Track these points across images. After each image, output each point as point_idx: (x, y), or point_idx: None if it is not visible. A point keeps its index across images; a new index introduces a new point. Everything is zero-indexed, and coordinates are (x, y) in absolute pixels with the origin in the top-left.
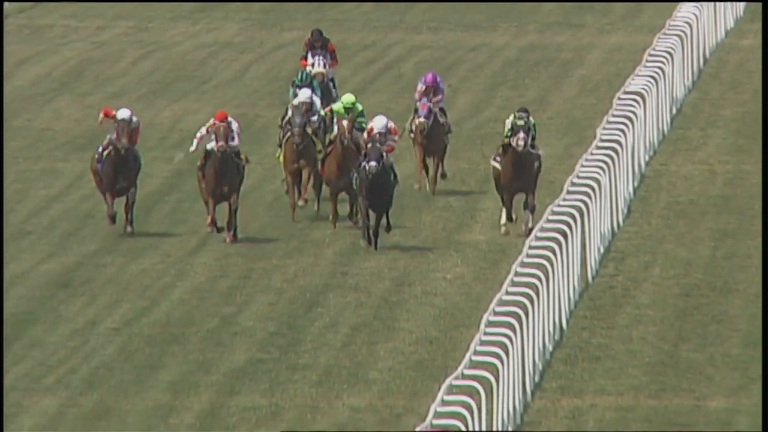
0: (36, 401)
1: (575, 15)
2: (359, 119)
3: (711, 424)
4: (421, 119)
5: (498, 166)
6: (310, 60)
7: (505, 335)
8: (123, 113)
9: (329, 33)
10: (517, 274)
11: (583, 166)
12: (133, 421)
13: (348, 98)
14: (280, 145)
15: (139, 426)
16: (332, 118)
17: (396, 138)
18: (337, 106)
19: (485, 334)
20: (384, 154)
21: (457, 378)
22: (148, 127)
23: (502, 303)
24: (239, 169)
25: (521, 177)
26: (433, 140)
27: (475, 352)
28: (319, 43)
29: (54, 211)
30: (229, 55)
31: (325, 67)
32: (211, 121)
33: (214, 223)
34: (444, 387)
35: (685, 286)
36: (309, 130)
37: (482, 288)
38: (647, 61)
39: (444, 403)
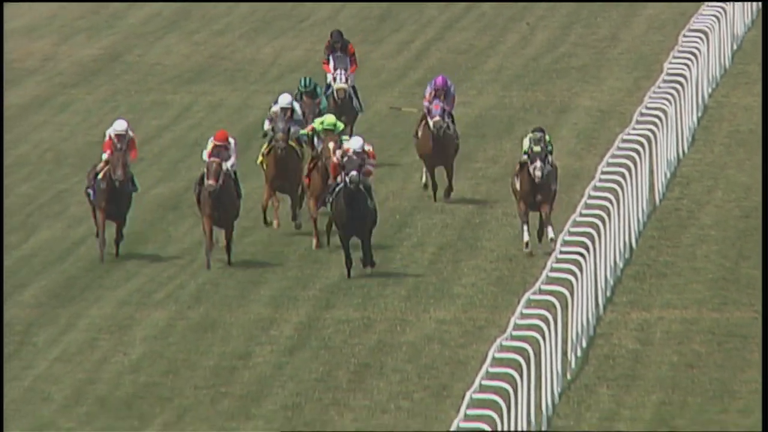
0: (147, 314)
1: None
2: (342, 137)
3: None
4: (437, 118)
5: (517, 185)
6: (332, 67)
7: (579, 254)
8: (119, 126)
9: None
10: (590, 197)
11: (650, 98)
12: (236, 332)
13: (329, 119)
14: (263, 154)
15: (242, 337)
16: (313, 137)
17: (374, 162)
18: (318, 125)
19: (561, 252)
20: (363, 164)
21: (534, 293)
22: (250, 62)
23: (576, 224)
24: (238, 192)
25: (539, 197)
26: (444, 148)
27: (552, 269)
28: (339, 45)
29: (164, 139)
30: None
31: (346, 81)
32: (210, 144)
33: (211, 249)
34: (523, 301)
35: (745, 208)
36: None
37: (558, 210)
38: (710, 0)
39: (523, 316)
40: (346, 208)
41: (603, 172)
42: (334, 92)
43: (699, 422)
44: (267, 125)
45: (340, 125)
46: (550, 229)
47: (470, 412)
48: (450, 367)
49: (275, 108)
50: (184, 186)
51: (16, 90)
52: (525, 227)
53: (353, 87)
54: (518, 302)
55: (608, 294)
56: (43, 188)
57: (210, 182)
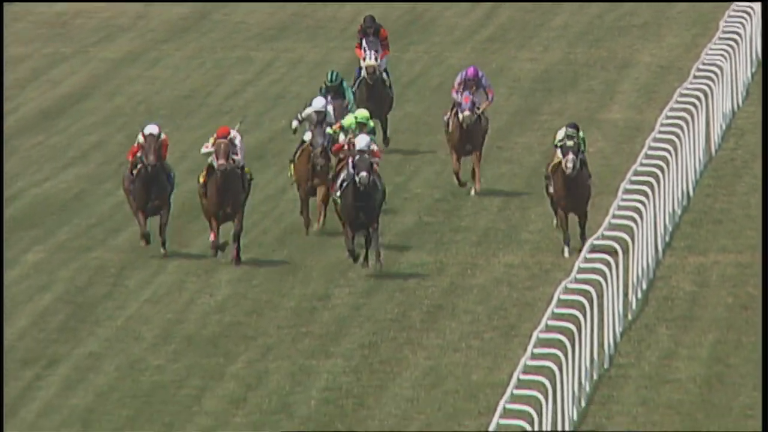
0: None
1: None
2: (370, 135)
3: None
4: (466, 113)
5: (550, 187)
6: (364, 50)
7: (640, 201)
8: (150, 128)
9: None
10: (650, 148)
11: (707, 54)
12: (316, 275)
13: (362, 113)
14: (293, 161)
15: (322, 279)
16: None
17: (378, 161)
18: (348, 121)
19: (622, 200)
20: (373, 164)
21: (598, 238)
22: (330, 20)
23: (637, 173)
24: (244, 186)
25: (574, 198)
26: (472, 141)
27: (614, 216)
28: (371, 30)
29: (248, 93)
30: None
31: (376, 59)
32: (212, 140)
33: (216, 245)
34: (586, 246)
35: None
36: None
37: (619, 160)
38: None
39: (586, 260)
40: (354, 204)
41: (662, 125)
42: (364, 70)
43: (752, 360)
44: (295, 124)
45: (372, 123)
46: (584, 233)
47: (537, 350)
48: (518, 308)
49: (308, 111)
50: (267, 137)
51: (110, 45)
52: (563, 233)
53: (386, 71)
54: (582, 247)
55: (667, 239)
56: (135, 139)
57: (221, 161)
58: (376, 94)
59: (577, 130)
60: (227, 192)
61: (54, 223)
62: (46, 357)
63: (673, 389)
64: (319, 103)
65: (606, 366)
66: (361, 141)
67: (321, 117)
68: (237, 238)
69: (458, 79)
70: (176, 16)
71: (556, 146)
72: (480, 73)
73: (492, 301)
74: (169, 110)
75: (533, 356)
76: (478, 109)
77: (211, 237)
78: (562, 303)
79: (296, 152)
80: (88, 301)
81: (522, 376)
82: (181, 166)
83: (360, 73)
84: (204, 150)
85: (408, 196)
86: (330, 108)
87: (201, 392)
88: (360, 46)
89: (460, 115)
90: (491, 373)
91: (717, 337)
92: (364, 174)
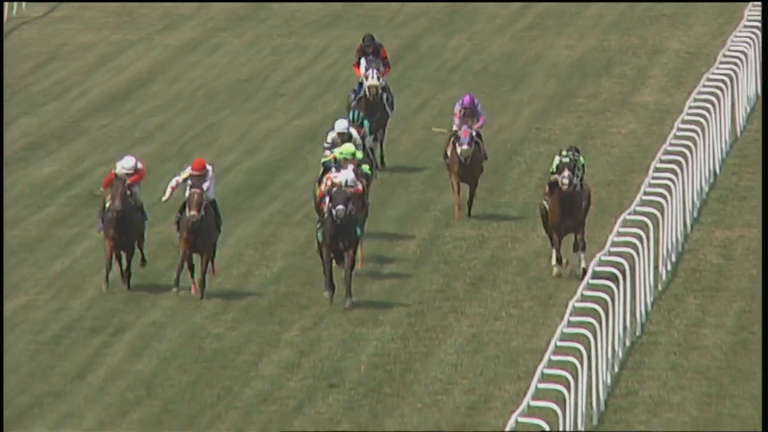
0: (288, 232)
1: None
2: (363, 166)
3: None
4: (464, 147)
5: (546, 205)
6: (363, 70)
7: (669, 179)
8: (127, 162)
9: None
10: (678, 129)
11: (732, 41)
12: (366, 247)
13: (347, 148)
14: (319, 181)
15: (371, 252)
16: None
17: (361, 188)
18: (338, 154)
19: (653, 178)
20: (350, 199)
21: (630, 214)
22: (379, 9)
23: (666, 153)
24: (218, 225)
25: (569, 217)
26: (472, 169)
27: (645, 193)
28: (370, 49)
29: (302, 78)
30: None
31: (379, 79)
32: (187, 170)
33: (177, 282)
34: (619, 221)
35: None
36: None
37: (650, 141)
38: None
39: (619, 234)
40: (333, 238)
41: (690, 107)
42: (366, 90)
43: None
44: (328, 154)
45: (360, 154)
46: (581, 258)
47: (573, 319)
48: (555, 279)
49: (332, 134)
50: (320, 119)
51: (173, 33)
52: (554, 252)
53: (384, 88)
54: (615, 222)
55: (695, 215)
56: (196, 121)
57: (192, 213)
58: (375, 111)
59: (577, 153)
60: (199, 237)
61: None
62: (112, 326)
63: (700, 355)
64: (340, 125)
65: (638, 333)
66: (344, 176)
67: (345, 138)
68: (204, 274)
69: (458, 107)
70: (236, 4)
71: (552, 173)
72: (476, 101)
73: (531, 273)
74: (228, 94)
75: (569, 324)
76: (478, 137)
77: (176, 274)
78: (596, 274)
79: (322, 175)
80: (152, 273)
81: (559, 343)
82: (240, 147)
83: (360, 89)
84: (171, 186)
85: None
86: (353, 130)
87: (258, 358)
88: (358, 65)
89: (458, 149)
90: (530, 340)
91: (742, 306)
92: (340, 207)
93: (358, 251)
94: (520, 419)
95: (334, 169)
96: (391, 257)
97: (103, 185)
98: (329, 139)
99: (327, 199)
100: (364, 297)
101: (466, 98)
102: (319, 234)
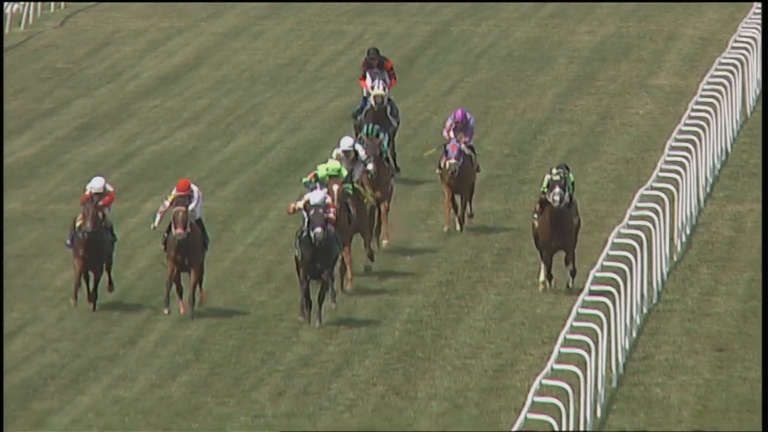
0: None
1: None
2: (345, 184)
3: None
4: (452, 161)
5: (536, 223)
6: (369, 82)
7: (684, 156)
8: (96, 183)
9: None
10: (692, 110)
11: (743, 27)
12: (399, 222)
13: (333, 165)
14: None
15: (404, 225)
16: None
17: (332, 212)
18: (322, 172)
19: (668, 156)
20: (328, 220)
21: (647, 189)
22: None
23: (681, 132)
24: (204, 243)
25: (560, 235)
26: (462, 180)
27: (661, 170)
28: (375, 62)
29: (340, 62)
30: None
31: (384, 89)
32: (174, 192)
33: (168, 300)
34: (637, 196)
35: None
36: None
37: (666, 121)
38: None
39: (637, 208)
40: (311, 258)
41: (703, 90)
42: (372, 99)
43: None
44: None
45: (344, 172)
46: (570, 279)
47: (593, 287)
48: (577, 250)
49: (338, 151)
50: (357, 101)
51: (218, 21)
52: (542, 268)
53: (390, 100)
54: (633, 197)
55: (708, 190)
56: (241, 102)
57: (179, 231)
58: (381, 122)
59: (567, 170)
60: (186, 256)
61: (169, 177)
62: (162, 294)
63: (712, 322)
64: (346, 142)
65: (654, 301)
66: (316, 197)
67: (351, 156)
68: (193, 292)
69: (449, 121)
70: None
71: (543, 192)
72: (468, 116)
73: None
74: (270, 77)
75: (590, 293)
76: (470, 149)
77: (165, 293)
78: (615, 246)
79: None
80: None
81: (580, 310)
82: (282, 126)
83: (366, 102)
84: (160, 212)
85: (480, 153)
86: (359, 147)
87: (299, 324)
88: (364, 78)
89: (447, 163)
90: (553, 307)
91: (752, 275)
92: (318, 230)
93: (347, 271)
94: (544, 381)
95: (313, 188)
96: (423, 229)
97: (81, 201)
98: (334, 155)
99: (305, 219)
100: (398, 268)
101: (458, 113)
102: (297, 252)
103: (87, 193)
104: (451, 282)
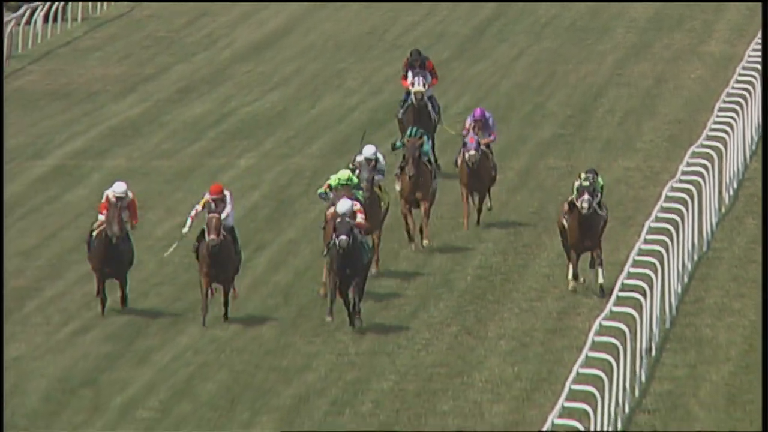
0: None
1: None
2: (355, 191)
3: None
4: (471, 152)
5: (565, 223)
6: (410, 80)
7: (731, 117)
8: (118, 187)
9: None
10: (739, 74)
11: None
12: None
13: (344, 174)
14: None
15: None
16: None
17: (363, 217)
18: (335, 182)
19: (717, 116)
20: (354, 228)
21: (698, 146)
22: None
23: (729, 95)
24: (236, 251)
25: (587, 237)
26: (479, 177)
27: (710, 129)
28: (417, 63)
29: (416, 31)
30: None
31: (424, 86)
32: (207, 196)
33: (206, 308)
34: (689, 153)
35: None
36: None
37: (715, 84)
38: None
39: (688, 164)
40: (339, 266)
41: (749, 56)
42: (413, 96)
43: None
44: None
45: (355, 179)
46: (599, 272)
47: (648, 237)
48: (633, 203)
49: (359, 158)
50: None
51: None
52: (570, 268)
53: (431, 98)
54: (685, 154)
55: (753, 147)
56: (326, 67)
57: (212, 237)
58: (422, 117)
59: (596, 175)
60: (218, 264)
61: (261, 135)
62: (255, 242)
63: (758, 268)
64: (369, 150)
65: (704, 249)
66: (342, 206)
67: (371, 165)
68: (226, 300)
69: (469, 120)
70: None
71: (574, 194)
72: (487, 114)
73: (613, 197)
74: (353, 45)
75: (645, 241)
76: (486, 147)
77: (202, 304)
78: (668, 199)
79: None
80: (288, 198)
81: (636, 258)
82: (364, 90)
83: (408, 98)
84: (191, 216)
85: (545, 113)
86: (380, 155)
87: (380, 270)
88: (405, 77)
89: (466, 155)
90: (612, 254)
91: None
92: (343, 238)
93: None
94: (604, 323)
95: (332, 195)
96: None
97: (100, 209)
98: (355, 162)
99: (333, 229)
100: (470, 218)
101: (477, 111)
102: (327, 260)
103: (107, 198)
104: (519, 231)
